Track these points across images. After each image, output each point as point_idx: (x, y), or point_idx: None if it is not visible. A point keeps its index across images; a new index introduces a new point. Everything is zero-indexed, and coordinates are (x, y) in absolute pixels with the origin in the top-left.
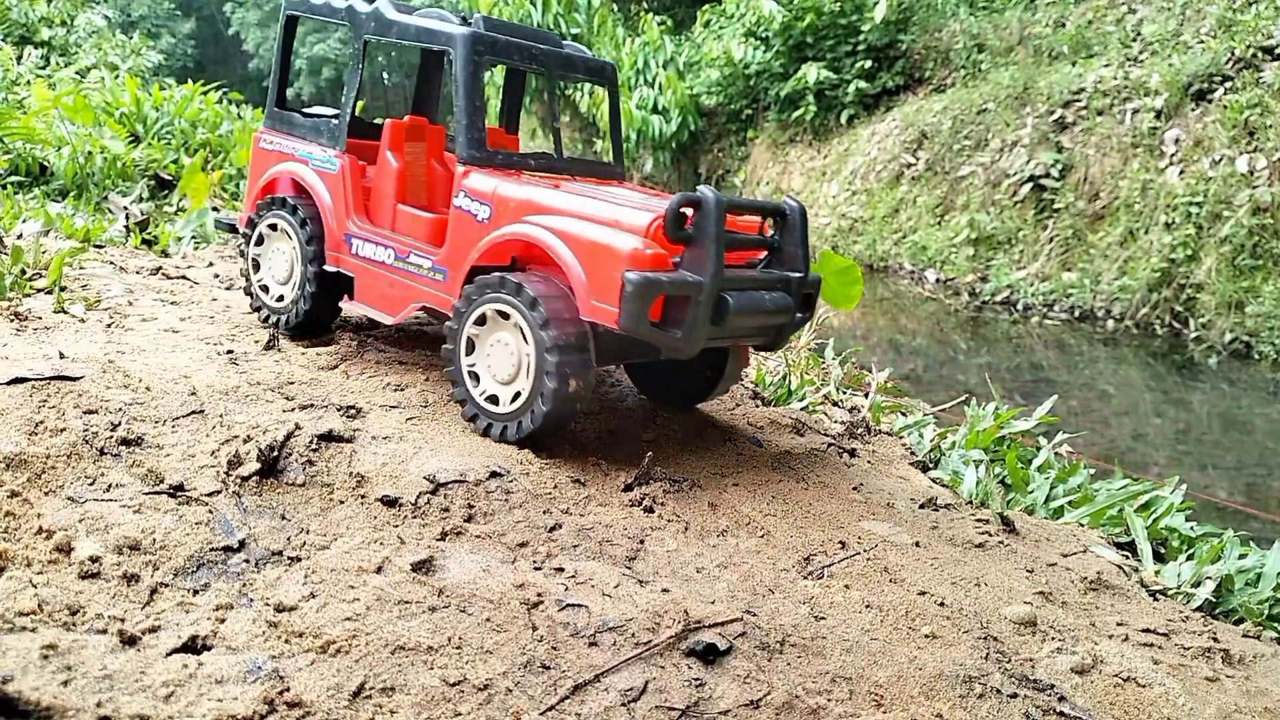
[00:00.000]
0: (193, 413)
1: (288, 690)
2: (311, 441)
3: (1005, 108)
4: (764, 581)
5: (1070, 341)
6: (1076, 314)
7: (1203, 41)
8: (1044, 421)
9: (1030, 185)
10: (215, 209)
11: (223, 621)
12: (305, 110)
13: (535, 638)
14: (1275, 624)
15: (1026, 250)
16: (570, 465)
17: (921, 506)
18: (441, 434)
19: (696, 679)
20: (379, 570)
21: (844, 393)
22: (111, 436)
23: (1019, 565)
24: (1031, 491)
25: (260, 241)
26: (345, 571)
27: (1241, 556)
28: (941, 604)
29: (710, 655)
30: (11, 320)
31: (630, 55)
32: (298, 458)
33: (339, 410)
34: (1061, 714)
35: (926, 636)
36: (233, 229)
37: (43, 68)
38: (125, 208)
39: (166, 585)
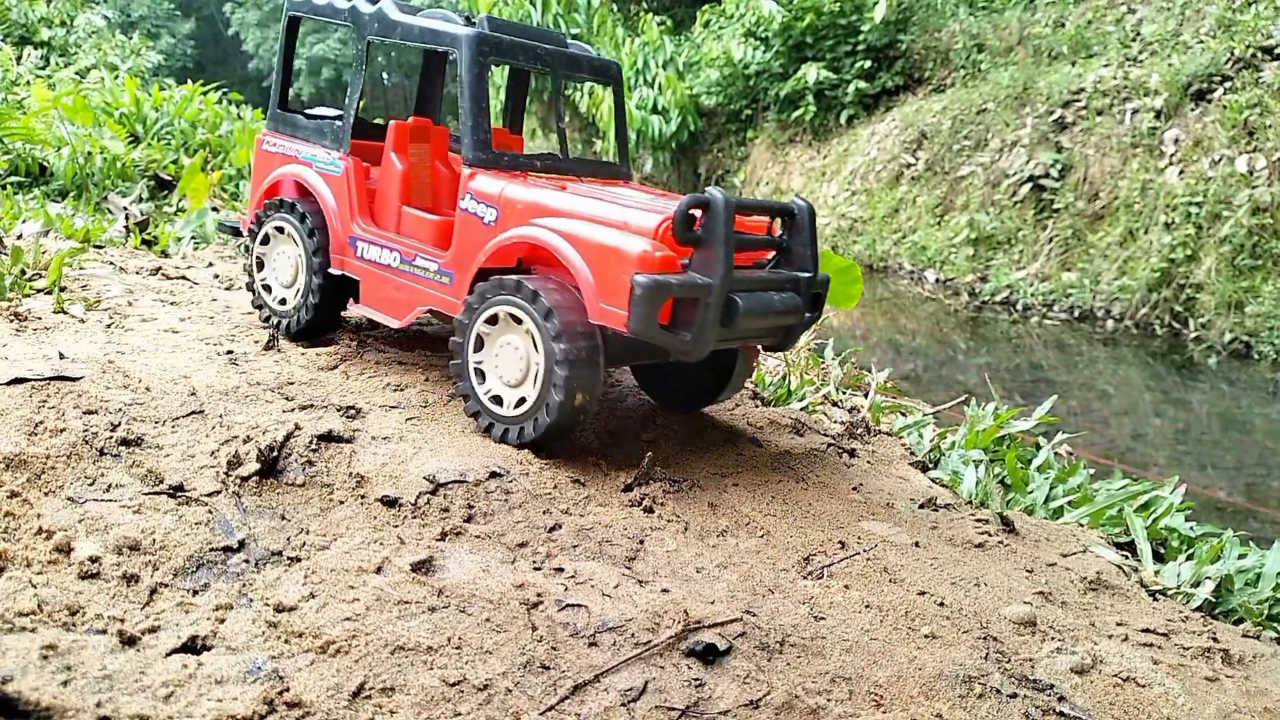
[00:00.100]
0: (192, 413)
1: (287, 690)
2: (311, 442)
3: (1005, 108)
4: (764, 581)
5: (1070, 341)
6: (1076, 314)
7: (1202, 41)
8: (1044, 421)
9: (1030, 185)
10: (215, 209)
11: (222, 621)
12: (308, 112)
13: (535, 638)
14: (1275, 624)
15: (1026, 250)
16: (570, 465)
17: (921, 506)
18: (441, 434)
19: (696, 679)
20: (379, 570)
21: (844, 393)
22: (111, 437)
23: (1019, 565)
24: (1031, 491)
25: (265, 241)
26: (345, 572)
27: (1241, 556)
28: (941, 604)
29: (710, 655)
30: (11, 320)
31: (630, 55)
32: (297, 458)
33: (339, 410)
34: (1061, 714)
35: (926, 636)
36: (236, 232)
37: (42, 68)
38: (125, 208)
39: (166, 585)
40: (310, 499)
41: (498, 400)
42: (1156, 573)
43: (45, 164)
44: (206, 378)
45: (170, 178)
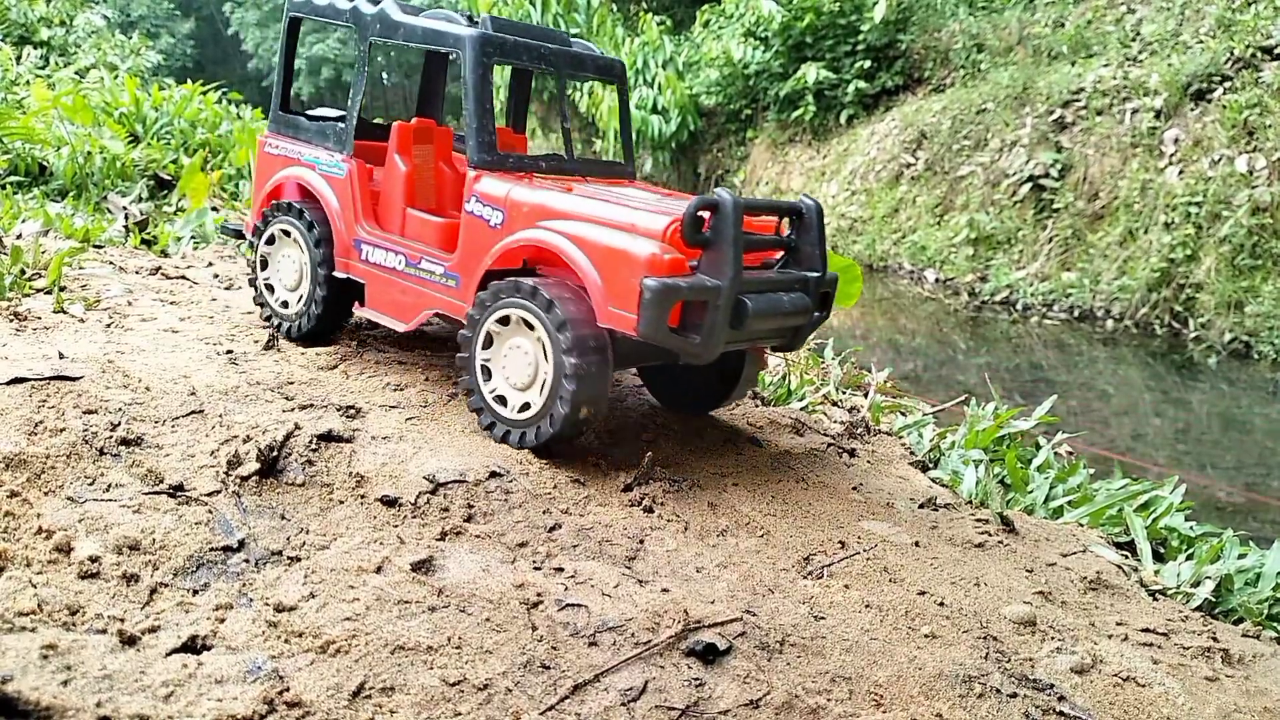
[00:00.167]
0: (192, 413)
1: (287, 690)
2: (311, 441)
3: (1005, 108)
4: (764, 581)
5: (1070, 341)
6: (1076, 314)
7: (1202, 41)
8: (1043, 421)
9: (1030, 185)
10: (215, 209)
11: (222, 621)
12: (310, 113)
13: (535, 638)
14: (1275, 623)
15: (1026, 250)
16: (570, 465)
17: (921, 506)
18: (441, 434)
19: (696, 679)
20: (379, 570)
21: (844, 393)
22: (111, 436)
23: (1018, 565)
24: (1031, 491)
25: (270, 241)
26: (345, 571)
27: (1241, 556)
28: (941, 604)
29: (710, 655)
30: (11, 320)
31: (630, 55)
32: (297, 458)
33: (339, 410)
34: (1061, 714)
35: (926, 636)
36: (239, 235)
37: (42, 68)
38: (125, 208)
39: (166, 585)
40: (310, 499)
41: (501, 400)
42: (1156, 572)
43: (45, 164)
44: (206, 377)
45: (170, 177)
